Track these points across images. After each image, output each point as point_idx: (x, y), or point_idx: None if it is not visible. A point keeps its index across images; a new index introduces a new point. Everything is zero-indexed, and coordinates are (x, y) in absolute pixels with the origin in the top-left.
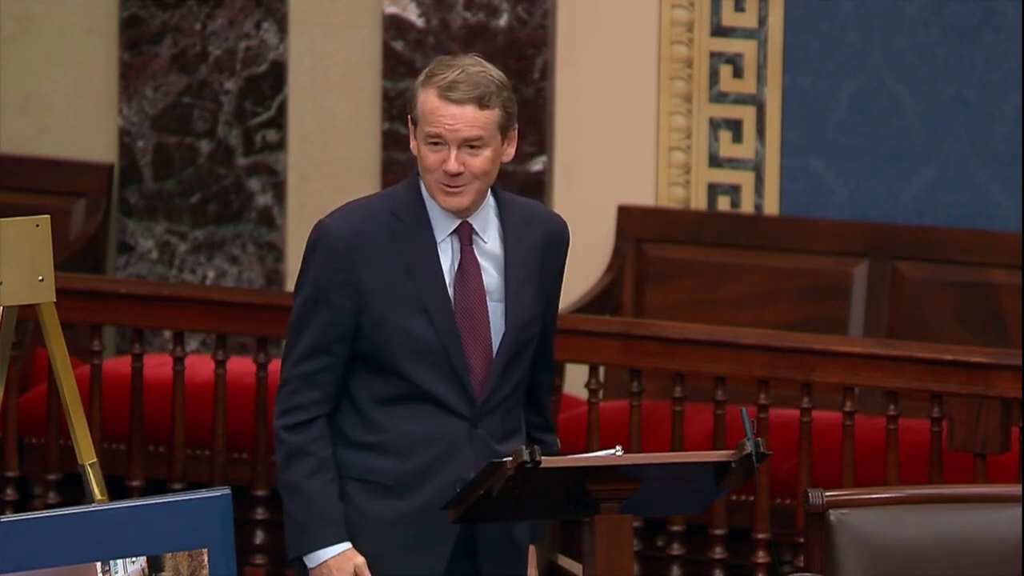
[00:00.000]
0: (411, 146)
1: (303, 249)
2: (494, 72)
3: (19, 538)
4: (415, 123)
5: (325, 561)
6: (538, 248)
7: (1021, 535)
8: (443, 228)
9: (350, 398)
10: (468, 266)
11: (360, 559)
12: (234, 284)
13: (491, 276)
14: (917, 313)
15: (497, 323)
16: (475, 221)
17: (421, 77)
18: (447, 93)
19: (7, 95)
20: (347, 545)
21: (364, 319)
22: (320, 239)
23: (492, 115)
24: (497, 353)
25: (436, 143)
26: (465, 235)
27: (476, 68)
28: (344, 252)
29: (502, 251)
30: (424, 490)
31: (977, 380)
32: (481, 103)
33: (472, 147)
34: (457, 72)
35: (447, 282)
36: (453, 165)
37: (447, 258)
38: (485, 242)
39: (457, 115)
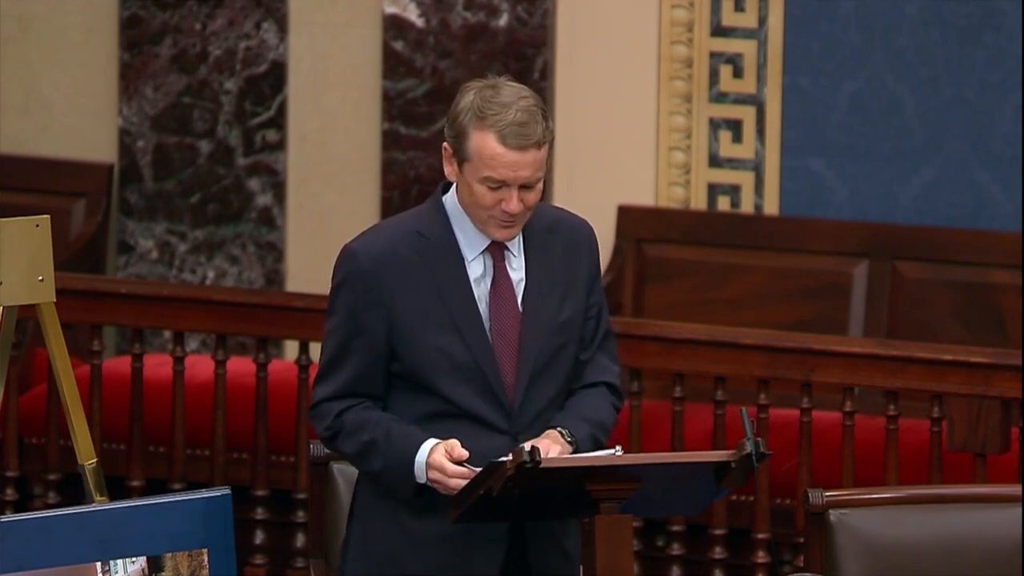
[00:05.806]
0: (447, 172)
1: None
2: (534, 97)
3: (19, 538)
4: (462, 158)
5: (424, 466)
6: (563, 256)
7: (1021, 535)
8: (474, 247)
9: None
10: (502, 282)
11: (441, 446)
12: (234, 284)
13: (520, 289)
14: (917, 313)
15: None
16: None
17: (468, 112)
18: (509, 140)
19: (7, 95)
20: (428, 445)
21: (397, 339)
22: (347, 263)
23: (546, 150)
24: (522, 363)
25: (497, 186)
26: (497, 251)
27: (524, 101)
28: (372, 274)
29: (523, 262)
30: None
31: (977, 380)
32: (540, 145)
33: (529, 184)
34: (512, 113)
35: (479, 298)
36: (516, 206)
37: (478, 275)
38: (515, 255)
39: (520, 161)
